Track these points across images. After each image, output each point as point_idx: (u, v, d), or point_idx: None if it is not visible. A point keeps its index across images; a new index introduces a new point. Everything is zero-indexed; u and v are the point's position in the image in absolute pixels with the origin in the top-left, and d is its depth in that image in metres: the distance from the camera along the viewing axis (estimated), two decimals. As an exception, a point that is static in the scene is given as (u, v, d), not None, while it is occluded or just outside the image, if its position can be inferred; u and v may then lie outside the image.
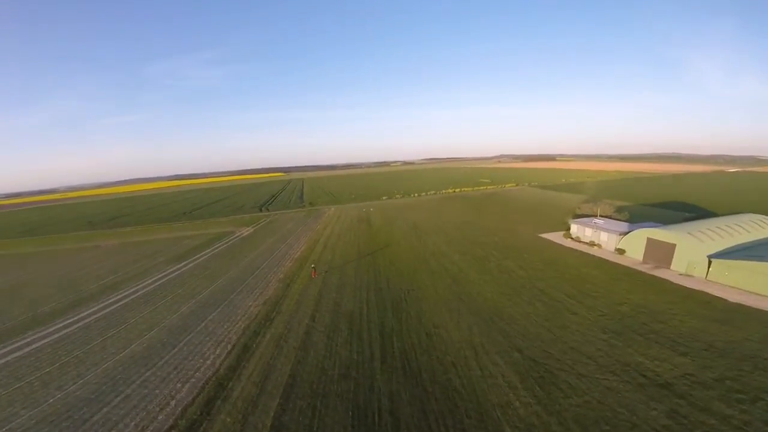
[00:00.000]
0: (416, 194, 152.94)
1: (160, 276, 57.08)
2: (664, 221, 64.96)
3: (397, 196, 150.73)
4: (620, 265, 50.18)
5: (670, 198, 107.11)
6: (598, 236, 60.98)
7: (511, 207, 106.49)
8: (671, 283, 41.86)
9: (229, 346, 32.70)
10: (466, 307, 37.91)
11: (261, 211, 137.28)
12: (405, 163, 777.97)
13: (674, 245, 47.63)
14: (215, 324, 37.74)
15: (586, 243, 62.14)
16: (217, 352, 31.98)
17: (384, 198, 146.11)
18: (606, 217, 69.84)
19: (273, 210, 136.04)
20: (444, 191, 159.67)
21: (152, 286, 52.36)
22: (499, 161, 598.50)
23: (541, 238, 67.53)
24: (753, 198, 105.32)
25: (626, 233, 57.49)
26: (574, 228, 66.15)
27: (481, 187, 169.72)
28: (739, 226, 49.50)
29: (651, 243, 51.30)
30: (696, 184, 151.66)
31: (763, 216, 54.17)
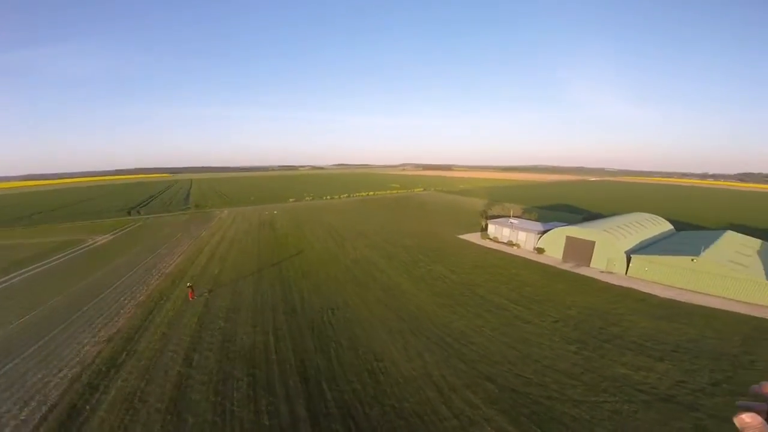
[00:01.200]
0: (328, 197, 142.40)
1: None
2: (565, 221, 68.73)
3: (307, 198, 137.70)
4: (545, 264, 49.29)
5: (555, 201, 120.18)
6: (516, 236, 60.66)
7: (424, 210, 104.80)
8: (599, 281, 41.32)
9: (42, 412, 18.29)
10: (408, 327, 29.88)
11: (129, 214, 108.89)
12: (314, 167, 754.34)
13: (593, 243, 48.28)
14: (20, 374, 21.96)
15: (505, 243, 61.45)
16: (21, 420, 17.32)
17: (291, 200, 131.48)
18: (518, 217, 71.41)
19: (147, 214, 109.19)
20: (357, 194, 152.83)
21: None
22: (404, 169, 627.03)
23: (461, 239, 64.97)
24: (623, 200, 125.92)
25: (544, 232, 58.05)
26: (492, 228, 65.31)
27: (393, 192, 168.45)
28: (639, 224, 53.46)
29: (570, 241, 51.79)
30: (570, 191, 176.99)
31: (652, 215, 60.47)
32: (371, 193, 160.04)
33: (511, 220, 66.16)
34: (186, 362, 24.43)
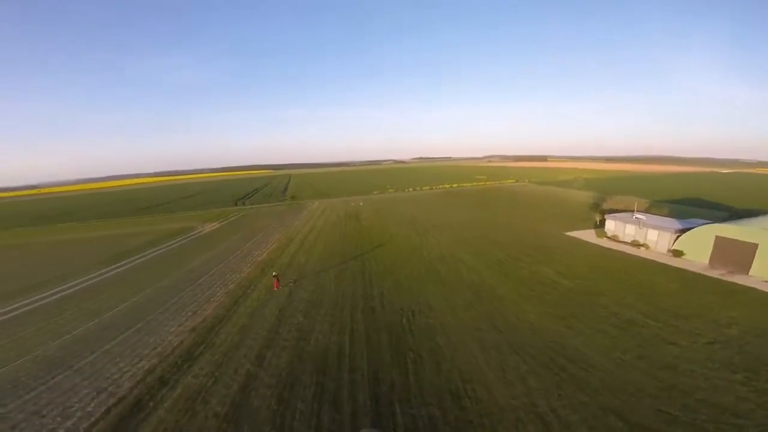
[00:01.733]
0: (410, 189, 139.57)
1: (74, 283, 41.98)
2: (706, 218, 52.97)
3: (390, 190, 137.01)
4: (686, 270, 38.22)
5: (681, 196, 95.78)
6: (644, 234, 48.48)
7: (518, 202, 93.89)
8: (764, 293, 30.84)
9: (108, 405, 18.67)
10: (506, 341, 24.35)
11: (236, 205, 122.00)
12: (396, 162, 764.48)
13: (755, 245, 36.02)
14: (106, 362, 23.49)
15: (628, 242, 49.66)
16: (86, 412, 17.83)
17: (375, 192, 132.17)
18: (643, 212, 57.64)
19: (250, 204, 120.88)
20: (440, 186, 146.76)
21: (56, 296, 37.47)
22: (490, 160, 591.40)
23: (569, 236, 54.84)
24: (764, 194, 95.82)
25: (683, 231, 45.38)
26: (611, 224, 53.56)
27: (479, 183, 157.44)
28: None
29: (722, 243, 39.41)
30: (699, 183, 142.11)
31: None
32: (455, 184, 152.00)
33: (637, 215, 53.40)
34: (258, 360, 23.12)
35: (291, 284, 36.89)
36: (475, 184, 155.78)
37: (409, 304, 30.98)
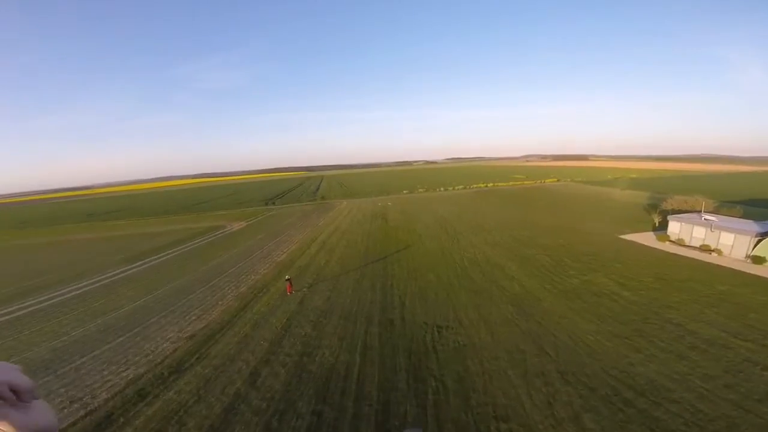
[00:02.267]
0: (442, 188, 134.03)
1: (93, 281, 41.86)
2: None
3: (420, 190, 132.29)
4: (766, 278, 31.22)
5: (743, 196, 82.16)
6: (716, 238, 40.79)
7: (561, 202, 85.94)
8: None
9: (75, 418, 16.51)
10: (555, 369, 19.57)
11: (266, 205, 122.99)
12: (427, 162, 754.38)
13: None
14: (91, 368, 21.54)
15: (696, 247, 42.14)
16: None
17: (405, 192, 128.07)
18: (711, 213, 49.20)
19: (281, 204, 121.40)
20: (474, 186, 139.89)
21: (72, 294, 37.15)
22: (528, 160, 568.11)
23: (624, 240, 47.92)
24: None
25: (765, 234, 37.60)
26: (675, 227, 45.93)
27: (517, 182, 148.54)
28: None
29: None
30: (760, 183, 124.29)
31: None
32: (490, 184, 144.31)
33: (706, 215, 45.40)
34: (251, 378, 19.97)
35: (305, 289, 33.83)
36: (512, 183, 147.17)
37: (434, 316, 26.76)
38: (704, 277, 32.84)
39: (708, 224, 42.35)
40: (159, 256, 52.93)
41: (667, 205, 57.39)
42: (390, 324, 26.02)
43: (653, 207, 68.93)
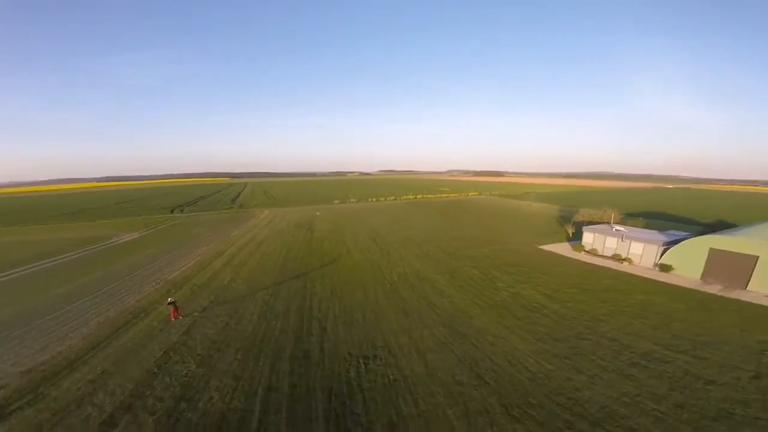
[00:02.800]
0: (374, 199, 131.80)
1: None
2: (684, 231, 49.92)
3: (352, 200, 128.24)
4: (681, 287, 34.13)
5: (641, 209, 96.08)
6: (626, 248, 43.83)
7: (484, 214, 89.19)
8: None
9: None
10: (497, 400, 16.49)
11: (172, 212, 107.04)
12: (362, 173, 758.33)
13: (755, 258, 32.72)
14: None
15: (608, 257, 44.87)
16: None
17: (336, 202, 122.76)
18: (619, 224, 53.80)
19: (191, 212, 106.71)
20: (404, 197, 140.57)
21: None
22: (452, 174, 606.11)
23: (544, 251, 49.44)
24: (718, 209, 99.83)
25: (671, 243, 41.28)
26: (589, 237, 48.69)
27: (443, 195, 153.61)
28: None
29: (717, 256, 35.87)
30: (652, 198, 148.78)
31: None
32: (419, 196, 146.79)
33: (617, 227, 49.15)
34: (103, 429, 13.97)
35: (197, 314, 26.74)
36: (439, 195, 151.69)
37: (360, 344, 22.22)
38: (623, 286, 33.86)
39: (619, 235, 45.46)
40: (13, 271, 39.75)
41: (579, 217, 61.88)
42: (305, 357, 20.76)
43: (566, 219, 74.39)
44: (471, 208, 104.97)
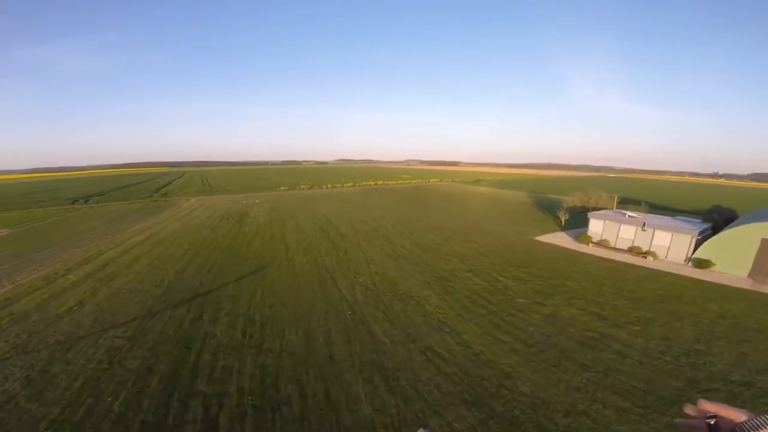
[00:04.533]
0: (329, 185, 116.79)
1: None
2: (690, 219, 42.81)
3: (303, 186, 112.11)
4: (740, 289, 25.99)
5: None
6: (648, 239, 34.85)
7: (454, 201, 78.98)
8: None
9: None
10: None
11: (74, 204, 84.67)
12: (318, 162, 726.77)
13: None
14: None
15: (624, 250, 35.79)
16: None
17: (283, 188, 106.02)
18: (622, 211, 45.37)
19: (99, 203, 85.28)
20: (364, 183, 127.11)
21: None
22: (409, 164, 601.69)
23: (542, 243, 39.59)
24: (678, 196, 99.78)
25: (707, 234, 32.92)
26: (597, 226, 39.32)
27: (405, 182, 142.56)
28: None
29: None
30: (606, 186, 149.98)
31: None
32: (379, 182, 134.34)
33: (629, 213, 40.43)
34: None
35: None
36: (400, 182, 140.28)
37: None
38: (675, 290, 24.40)
39: (638, 223, 36.38)
40: None
41: (570, 202, 53.08)
42: None
43: (541, 205, 66.48)
44: (438, 194, 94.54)
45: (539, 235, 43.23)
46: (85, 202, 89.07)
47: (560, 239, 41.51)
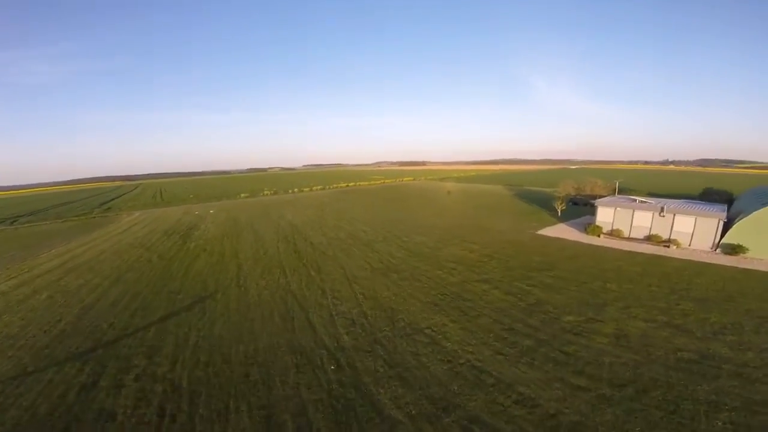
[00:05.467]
0: (296, 189, 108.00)
1: None
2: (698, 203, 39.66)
3: (266, 192, 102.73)
4: None
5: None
6: (668, 226, 30.48)
7: (434, 198, 73.46)
8: None
9: None
10: None
11: (1, 224, 71.25)
12: (283, 169, 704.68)
13: None
14: None
15: (641, 239, 31.34)
16: None
17: (243, 196, 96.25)
18: (630, 197, 41.37)
19: (28, 223, 72.46)
20: (335, 185, 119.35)
21: None
22: (380, 165, 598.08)
23: (551, 238, 34.60)
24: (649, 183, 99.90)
25: (735, 217, 28.90)
26: (607, 215, 34.71)
27: (378, 182, 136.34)
28: None
29: None
30: (577, 176, 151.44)
31: None
32: (352, 183, 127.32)
33: (640, 199, 36.18)
34: None
35: None
36: (374, 182, 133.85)
37: None
38: (729, 286, 19.89)
39: (655, 208, 31.95)
40: None
41: (562, 191, 48.76)
42: None
43: (522, 196, 62.53)
44: (415, 192, 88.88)
45: (540, 229, 38.29)
46: (11, 223, 75.51)
47: (565, 232, 36.69)
